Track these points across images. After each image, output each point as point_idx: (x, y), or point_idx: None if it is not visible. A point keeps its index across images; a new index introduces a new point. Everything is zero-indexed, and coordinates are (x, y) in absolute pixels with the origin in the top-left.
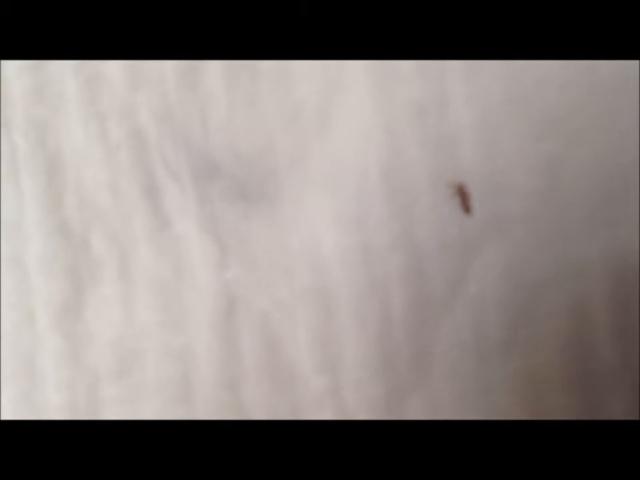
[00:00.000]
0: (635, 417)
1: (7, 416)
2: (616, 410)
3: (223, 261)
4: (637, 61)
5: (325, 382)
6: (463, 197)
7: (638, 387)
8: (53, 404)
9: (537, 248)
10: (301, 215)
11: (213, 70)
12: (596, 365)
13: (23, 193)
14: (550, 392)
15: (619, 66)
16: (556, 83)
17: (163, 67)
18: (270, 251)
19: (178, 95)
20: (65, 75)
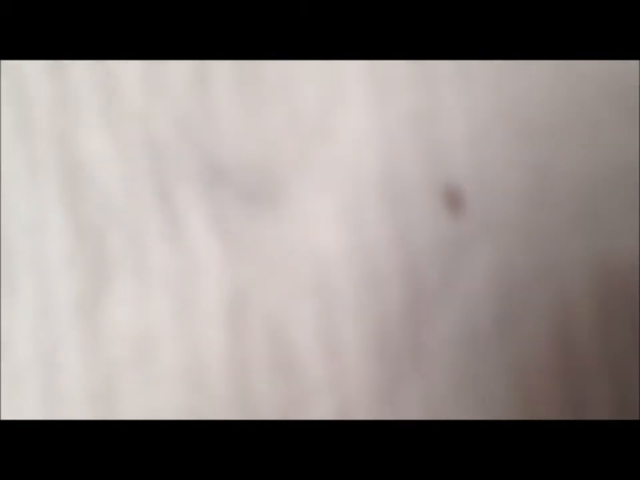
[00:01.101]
0: (621, 414)
1: (26, 410)
2: (603, 406)
3: (231, 260)
4: (629, 66)
5: (326, 372)
6: (454, 200)
7: (623, 382)
8: (71, 396)
9: (525, 249)
10: (303, 217)
11: (223, 77)
12: (582, 360)
13: (42, 196)
14: (538, 387)
15: (609, 70)
16: (547, 87)
17: (176, 75)
18: (275, 251)
19: (189, 102)
20: (82, 79)
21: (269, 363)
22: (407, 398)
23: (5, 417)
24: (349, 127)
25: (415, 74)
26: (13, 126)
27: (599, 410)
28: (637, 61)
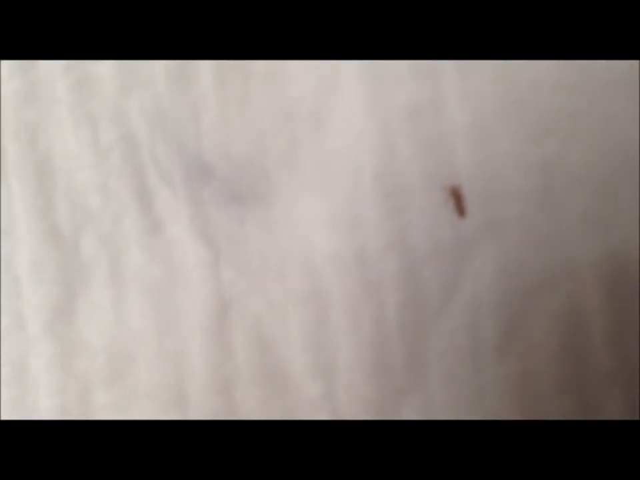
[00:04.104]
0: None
1: None
2: (610, 413)
3: (216, 263)
4: (632, 63)
5: (319, 386)
6: (457, 199)
7: (632, 390)
8: (44, 409)
9: (531, 251)
10: (293, 217)
11: (205, 71)
12: (590, 368)
13: (12, 197)
14: (545, 396)
15: (613, 68)
16: (550, 84)
17: (154, 69)
18: (263, 253)
19: (169, 96)
20: (55, 76)
21: (256, 378)
22: (406, 415)
23: None
24: (344, 120)
25: (413, 65)
26: None
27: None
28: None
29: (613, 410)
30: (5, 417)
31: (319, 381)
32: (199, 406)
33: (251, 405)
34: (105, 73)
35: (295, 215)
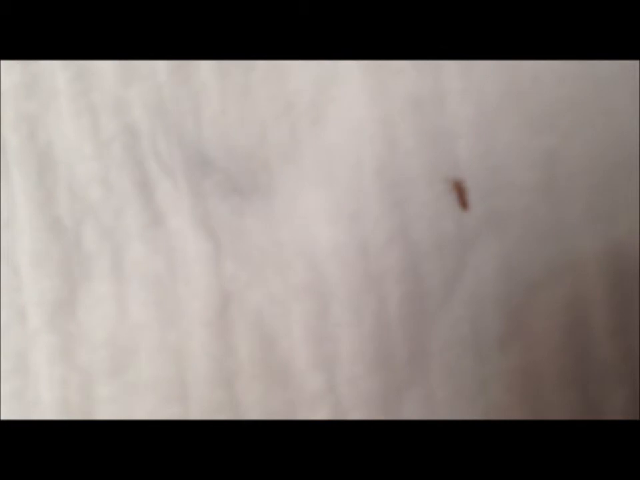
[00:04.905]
0: (632, 414)
1: None
2: (614, 407)
3: (217, 256)
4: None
5: (321, 379)
6: (459, 192)
7: (636, 383)
8: (45, 402)
9: (534, 244)
10: (295, 210)
11: (206, 63)
12: (593, 362)
13: (13, 189)
14: (547, 389)
15: (616, 61)
16: (553, 77)
17: (155, 61)
18: (264, 246)
19: (170, 88)
20: (55, 68)
21: (257, 371)
22: (408, 408)
23: None
24: (345, 112)
25: None
26: None
27: (616, 414)
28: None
29: (615, 403)
30: (6, 410)
31: (321, 374)
32: (201, 399)
33: (253, 398)
34: (105, 64)
35: (296, 207)
